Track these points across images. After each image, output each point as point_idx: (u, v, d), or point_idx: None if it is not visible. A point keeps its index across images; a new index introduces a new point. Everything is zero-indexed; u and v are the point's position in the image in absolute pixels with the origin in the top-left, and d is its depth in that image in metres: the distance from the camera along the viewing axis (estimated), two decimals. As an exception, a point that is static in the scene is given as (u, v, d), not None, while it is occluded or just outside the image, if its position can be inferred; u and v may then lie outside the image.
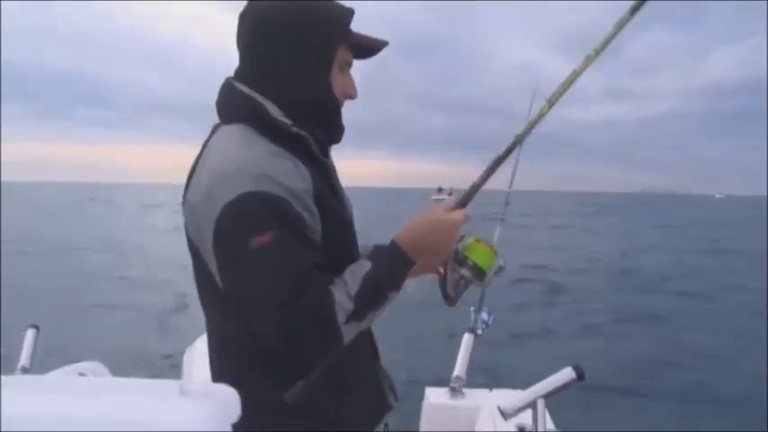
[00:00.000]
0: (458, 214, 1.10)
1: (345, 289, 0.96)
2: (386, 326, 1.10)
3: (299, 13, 1.04)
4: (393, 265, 1.02)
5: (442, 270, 1.15)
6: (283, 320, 0.90)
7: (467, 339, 1.37)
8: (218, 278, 0.98)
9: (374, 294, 0.98)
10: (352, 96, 1.15)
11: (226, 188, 0.93)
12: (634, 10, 1.17)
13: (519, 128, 1.17)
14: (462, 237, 1.12)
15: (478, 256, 1.10)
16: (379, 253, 1.04)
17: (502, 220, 1.27)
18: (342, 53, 1.09)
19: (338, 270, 1.01)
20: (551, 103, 1.17)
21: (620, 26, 1.16)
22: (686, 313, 9.93)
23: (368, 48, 1.14)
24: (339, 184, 1.17)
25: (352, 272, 0.99)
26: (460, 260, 1.11)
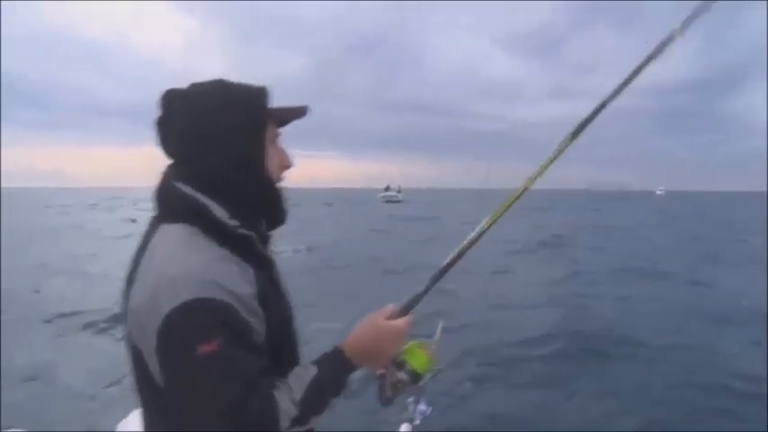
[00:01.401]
0: (402, 323, 1.13)
1: (290, 395, 0.97)
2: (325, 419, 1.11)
3: (219, 110, 1.06)
4: (337, 372, 1.05)
5: (382, 371, 1.18)
6: (227, 429, 0.90)
7: (404, 429, 1.35)
8: (158, 380, 0.96)
9: (318, 400, 1.00)
10: (288, 167, 1.18)
11: (172, 293, 0.92)
12: (575, 135, 1.32)
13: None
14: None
15: (416, 361, 1.15)
16: (324, 360, 1.07)
17: (440, 327, 1.27)
18: (269, 131, 1.12)
19: (282, 366, 1.04)
20: (492, 220, 1.27)
21: (561, 150, 1.32)
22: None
23: (290, 117, 1.19)
24: (280, 279, 1.21)
25: (297, 376, 1.01)
26: (399, 364, 1.15)
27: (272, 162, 1.12)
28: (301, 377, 1.00)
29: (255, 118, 1.09)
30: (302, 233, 19.96)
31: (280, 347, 1.08)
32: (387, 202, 61.35)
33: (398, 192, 68.06)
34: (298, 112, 1.18)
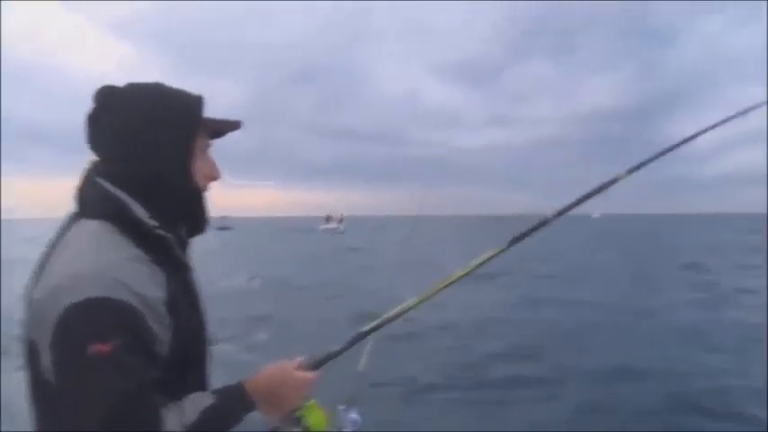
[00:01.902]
0: (309, 376, 1.16)
1: (180, 417, 0.94)
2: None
3: (153, 113, 1.06)
4: (233, 407, 1.03)
5: (276, 424, 1.18)
6: None
7: None
8: (48, 376, 0.92)
9: (207, 429, 0.97)
10: (215, 178, 1.18)
11: (75, 289, 0.90)
12: (506, 248, 1.45)
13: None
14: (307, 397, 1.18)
15: (314, 420, 1.16)
16: (224, 391, 1.05)
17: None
18: (200, 140, 1.12)
19: (185, 382, 1.04)
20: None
21: (494, 256, 1.44)
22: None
23: (223, 129, 1.20)
24: (196, 286, 1.19)
25: (193, 401, 0.98)
26: (296, 418, 1.15)
27: (199, 170, 1.12)
28: (196, 403, 0.98)
29: (188, 124, 1.09)
30: (247, 263, 20.82)
31: (185, 361, 1.06)
32: (327, 231, 60.62)
33: (340, 221, 67.38)
34: (231, 125, 1.19)
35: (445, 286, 1.39)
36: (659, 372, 6.93)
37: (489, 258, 1.45)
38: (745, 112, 1.83)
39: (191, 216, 1.15)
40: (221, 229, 63.05)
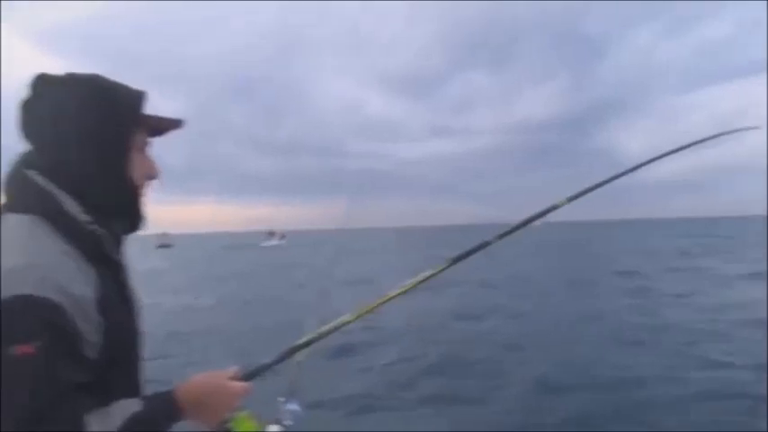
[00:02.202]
0: (241, 386, 1.14)
1: (105, 423, 0.90)
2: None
3: (90, 104, 1.02)
4: (161, 414, 1.01)
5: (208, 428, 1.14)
6: None
7: (273, 430, 1.29)
8: None
9: None
10: (153, 176, 1.15)
11: (4, 285, 0.87)
12: (446, 267, 1.50)
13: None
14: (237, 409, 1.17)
15: (244, 431, 1.15)
16: (153, 398, 1.02)
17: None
18: (138, 137, 1.09)
19: (116, 384, 1.01)
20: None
21: (434, 275, 1.48)
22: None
23: (164, 127, 1.17)
24: (130, 285, 1.15)
25: (121, 407, 0.95)
26: (227, 429, 1.13)
27: (137, 168, 1.09)
28: (124, 408, 0.94)
29: (127, 117, 1.06)
30: (192, 281, 20.79)
31: (116, 364, 1.02)
32: (269, 247, 60.39)
33: (282, 237, 67.43)
34: (173, 123, 1.16)
35: (381, 303, 1.41)
36: (594, 378, 7.10)
37: (428, 278, 1.48)
38: (682, 148, 1.96)
39: (126, 213, 1.12)
40: (162, 246, 61.36)
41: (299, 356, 1.31)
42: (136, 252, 1.49)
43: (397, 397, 6.72)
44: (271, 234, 68.13)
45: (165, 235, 66.38)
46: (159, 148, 1.17)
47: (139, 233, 1.19)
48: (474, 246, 1.56)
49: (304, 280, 19.09)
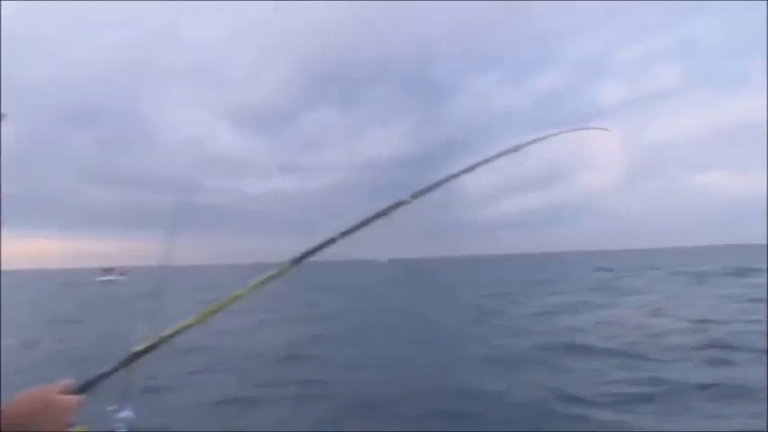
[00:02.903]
0: (72, 400, 1.06)
1: None
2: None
3: None
4: None
5: None
6: None
7: None
8: None
9: None
10: None
11: None
12: (288, 268, 1.55)
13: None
14: (72, 423, 1.08)
15: None
16: None
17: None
18: None
19: None
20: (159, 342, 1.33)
21: (276, 276, 1.54)
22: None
23: None
24: None
25: None
26: None
27: None
28: None
29: None
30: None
31: None
32: (105, 283, 57.77)
33: (123, 273, 64.52)
34: None
35: (226, 304, 1.41)
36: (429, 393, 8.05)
37: (264, 281, 1.49)
38: (521, 147, 2.12)
39: None
40: None
41: (136, 364, 1.28)
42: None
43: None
44: (107, 270, 64.85)
45: None
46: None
47: None
48: (318, 244, 1.61)
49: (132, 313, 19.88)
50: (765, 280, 24.80)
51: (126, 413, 1.22)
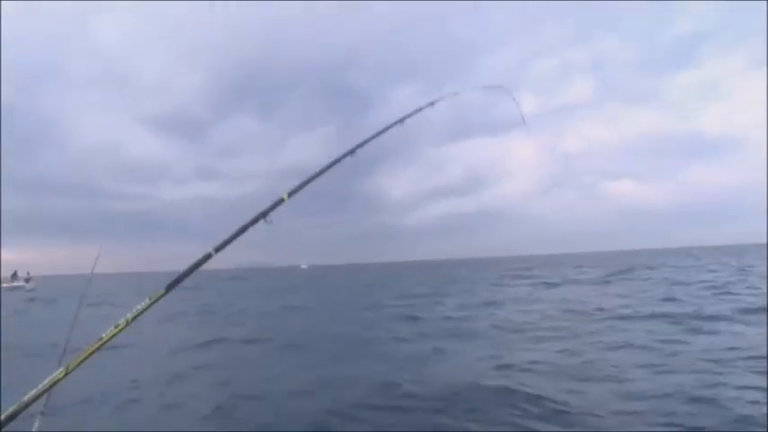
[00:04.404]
0: None
1: None
2: None
3: None
4: None
5: None
6: None
7: None
8: None
9: None
10: None
11: None
12: (164, 293, 1.60)
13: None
14: None
15: None
16: None
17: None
18: None
19: None
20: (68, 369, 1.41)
21: (151, 303, 1.61)
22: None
23: None
24: None
25: None
26: None
27: None
28: None
29: None
30: None
31: None
32: (11, 290, 53.36)
33: (27, 281, 58.48)
34: None
35: (92, 351, 1.47)
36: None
37: (138, 314, 1.58)
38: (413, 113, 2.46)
39: None
40: None
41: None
42: None
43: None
44: (14, 276, 57.59)
45: None
46: None
47: None
48: (195, 262, 1.68)
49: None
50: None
51: None
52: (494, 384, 6.75)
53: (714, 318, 11.90)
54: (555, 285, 26.61)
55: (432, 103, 2.82)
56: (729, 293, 17.04)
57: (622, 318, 12.94)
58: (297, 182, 1.95)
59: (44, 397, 1.35)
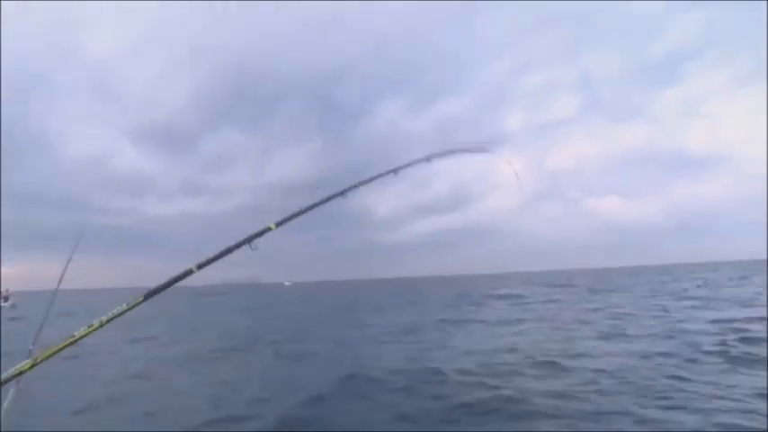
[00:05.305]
0: None
1: None
2: None
3: None
4: None
5: None
6: None
7: None
8: None
9: None
10: None
11: None
12: (141, 300, 1.57)
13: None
14: None
15: None
16: None
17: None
18: None
19: None
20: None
21: (130, 308, 1.60)
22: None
23: None
24: None
25: None
26: None
27: None
28: None
29: None
30: None
31: None
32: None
33: (6, 299, 61.89)
34: None
35: (66, 345, 1.41)
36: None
37: (112, 317, 1.56)
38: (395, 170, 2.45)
39: None
40: None
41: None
42: None
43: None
44: None
45: None
46: None
47: None
48: (173, 277, 1.70)
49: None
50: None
51: None
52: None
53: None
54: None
55: (428, 158, 2.86)
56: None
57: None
58: (286, 210, 1.94)
59: (11, 393, 1.26)
